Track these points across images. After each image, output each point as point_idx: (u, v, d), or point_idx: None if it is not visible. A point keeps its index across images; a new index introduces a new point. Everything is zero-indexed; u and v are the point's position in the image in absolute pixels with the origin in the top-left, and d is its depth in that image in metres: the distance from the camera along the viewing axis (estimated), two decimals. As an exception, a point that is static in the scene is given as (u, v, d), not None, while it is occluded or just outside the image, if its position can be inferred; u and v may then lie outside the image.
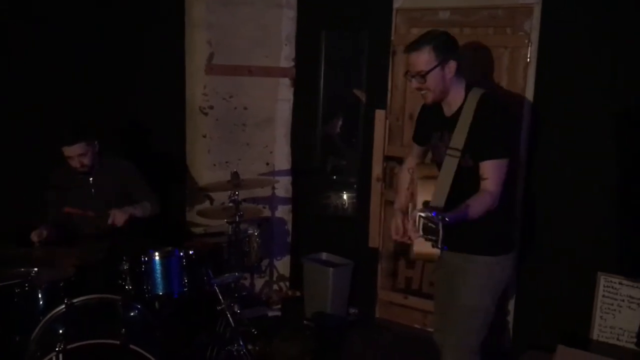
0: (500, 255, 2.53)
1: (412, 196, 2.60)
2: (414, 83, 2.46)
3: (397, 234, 2.55)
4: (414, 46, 2.43)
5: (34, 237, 3.10)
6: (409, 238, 2.35)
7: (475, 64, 3.45)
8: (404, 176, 2.80)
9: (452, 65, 2.41)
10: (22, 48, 3.54)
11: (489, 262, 2.51)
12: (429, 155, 2.83)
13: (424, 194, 2.42)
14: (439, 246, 2.00)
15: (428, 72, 2.39)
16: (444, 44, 2.41)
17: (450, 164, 2.42)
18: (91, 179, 3.38)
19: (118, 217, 3.20)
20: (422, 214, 2.05)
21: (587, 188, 3.25)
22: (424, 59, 2.39)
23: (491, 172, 2.37)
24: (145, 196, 3.43)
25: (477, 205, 2.32)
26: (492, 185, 2.36)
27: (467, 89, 2.47)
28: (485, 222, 2.39)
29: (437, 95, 2.46)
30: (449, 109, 2.52)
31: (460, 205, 2.28)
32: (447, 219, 2.04)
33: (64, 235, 3.29)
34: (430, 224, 2.02)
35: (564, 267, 3.34)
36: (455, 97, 2.47)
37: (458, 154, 2.41)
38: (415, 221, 2.08)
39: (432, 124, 2.64)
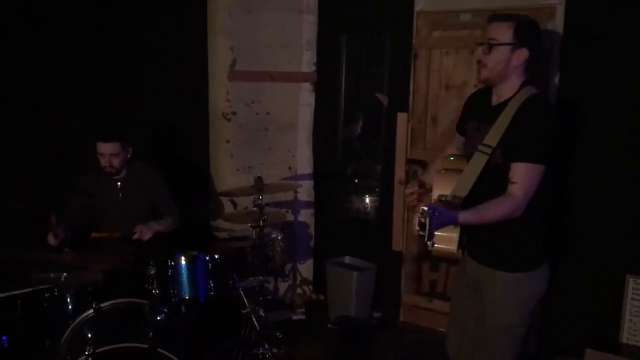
0: (528, 272, 2.37)
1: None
2: (479, 52, 2.32)
3: (411, 194, 2.45)
4: (498, 17, 2.32)
5: (50, 241, 3.14)
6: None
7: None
8: (439, 161, 2.61)
9: (523, 53, 2.27)
10: (45, 53, 3.60)
11: (515, 278, 2.36)
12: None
13: (440, 188, 2.30)
14: (426, 241, 1.96)
15: (497, 44, 2.26)
16: (526, 30, 2.28)
17: (478, 160, 2.29)
18: (119, 183, 3.43)
19: (145, 233, 3.24)
20: (425, 208, 1.98)
21: (615, 188, 3.22)
22: (500, 30, 2.27)
23: (522, 176, 2.20)
24: (169, 210, 3.48)
25: (495, 208, 2.20)
26: (519, 190, 2.19)
27: (522, 85, 2.32)
28: (512, 234, 2.29)
29: (491, 76, 2.32)
30: (497, 98, 2.37)
31: (476, 206, 2.18)
32: (436, 214, 1.95)
33: (80, 236, 3.32)
34: (422, 218, 1.97)
35: (592, 269, 3.29)
36: (509, 88, 2.32)
37: (489, 151, 2.26)
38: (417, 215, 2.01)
39: (473, 112, 2.50)
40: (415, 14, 3.84)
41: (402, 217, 4.08)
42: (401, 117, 4.00)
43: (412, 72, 3.92)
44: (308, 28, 4.23)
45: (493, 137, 2.27)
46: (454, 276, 3.94)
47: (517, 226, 2.28)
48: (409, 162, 4.02)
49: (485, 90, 2.48)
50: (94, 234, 3.28)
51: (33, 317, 2.78)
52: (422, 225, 1.98)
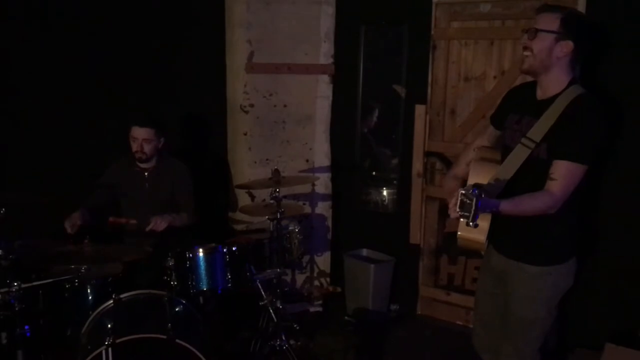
0: (556, 265, 2.36)
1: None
2: (524, 38, 2.29)
3: (450, 195, 2.27)
4: (547, 7, 2.31)
5: (67, 227, 3.16)
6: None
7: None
8: (468, 152, 2.61)
9: (568, 45, 2.23)
10: (71, 49, 3.65)
11: (540, 272, 2.36)
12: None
13: (477, 176, 2.30)
14: (471, 222, 1.95)
15: (542, 31, 2.24)
16: (573, 22, 2.25)
17: (519, 153, 2.26)
18: (146, 173, 3.47)
19: (159, 224, 3.25)
20: (463, 191, 1.98)
21: (636, 182, 3.16)
22: (547, 19, 2.25)
23: (563, 173, 2.18)
24: (186, 206, 3.50)
25: (531, 202, 2.18)
26: (557, 187, 2.18)
27: (570, 83, 2.29)
28: (543, 229, 2.27)
29: (535, 64, 2.28)
30: (542, 93, 2.34)
31: (514, 197, 2.16)
32: (483, 195, 1.95)
33: (99, 224, 3.34)
34: (465, 199, 1.96)
35: (613, 264, 3.25)
36: (554, 83, 2.29)
37: (532, 145, 2.24)
38: (457, 199, 2.00)
39: (515, 105, 2.45)
40: (433, 5, 3.81)
41: (420, 210, 4.06)
42: (419, 109, 3.97)
43: (430, 63, 3.89)
44: (326, 20, 4.21)
45: (538, 131, 2.24)
46: (472, 269, 3.92)
47: (549, 221, 2.26)
48: (427, 154, 3.99)
49: (528, 85, 2.44)
50: (111, 219, 3.31)
51: (54, 308, 2.84)
52: (464, 206, 1.97)
